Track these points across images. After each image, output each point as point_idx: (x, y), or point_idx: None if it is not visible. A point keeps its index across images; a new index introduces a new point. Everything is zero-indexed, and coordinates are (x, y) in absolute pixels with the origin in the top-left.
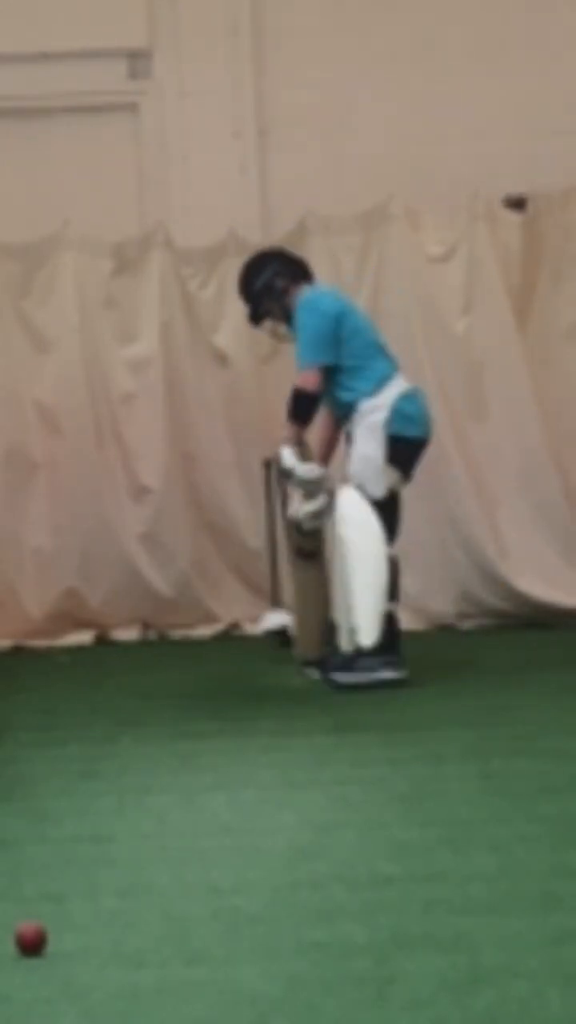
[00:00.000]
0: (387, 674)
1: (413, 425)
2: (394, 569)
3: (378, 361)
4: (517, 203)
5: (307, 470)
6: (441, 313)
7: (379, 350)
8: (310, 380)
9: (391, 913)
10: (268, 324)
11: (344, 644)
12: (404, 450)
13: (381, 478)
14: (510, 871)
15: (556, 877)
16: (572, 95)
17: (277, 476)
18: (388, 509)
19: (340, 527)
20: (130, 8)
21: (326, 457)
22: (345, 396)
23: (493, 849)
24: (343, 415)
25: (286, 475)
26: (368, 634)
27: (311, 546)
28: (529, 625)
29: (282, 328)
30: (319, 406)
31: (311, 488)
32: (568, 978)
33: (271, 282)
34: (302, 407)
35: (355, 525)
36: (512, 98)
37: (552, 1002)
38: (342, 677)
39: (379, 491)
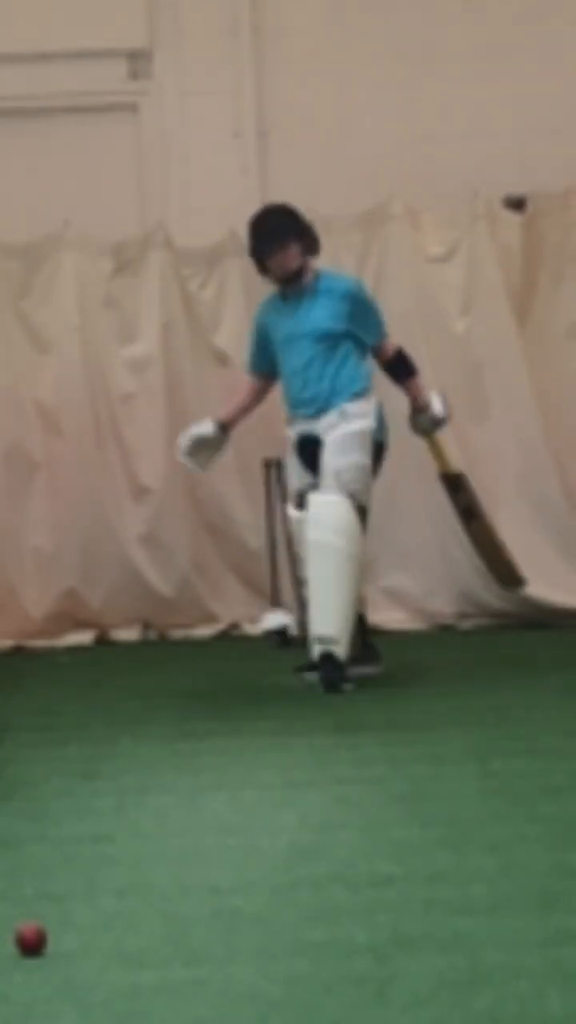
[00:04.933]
0: (368, 670)
1: (384, 431)
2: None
3: (368, 363)
4: (517, 203)
5: (442, 407)
6: (441, 313)
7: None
8: (392, 345)
9: (391, 913)
10: (280, 257)
11: (315, 650)
12: (378, 456)
13: (370, 486)
14: (510, 871)
15: (556, 877)
16: (572, 95)
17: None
18: (363, 514)
19: (325, 533)
20: (130, 8)
21: (234, 421)
22: (344, 377)
23: (493, 849)
24: (311, 396)
25: (439, 423)
26: (344, 647)
27: (469, 502)
28: (529, 625)
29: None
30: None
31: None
32: (568, 978)
33: (313, 230)
34: (403, 364)
35: (339, 531)
36: (512, 98)
37: (552, 1002)
38: (358, 670)
39: (368, 499)
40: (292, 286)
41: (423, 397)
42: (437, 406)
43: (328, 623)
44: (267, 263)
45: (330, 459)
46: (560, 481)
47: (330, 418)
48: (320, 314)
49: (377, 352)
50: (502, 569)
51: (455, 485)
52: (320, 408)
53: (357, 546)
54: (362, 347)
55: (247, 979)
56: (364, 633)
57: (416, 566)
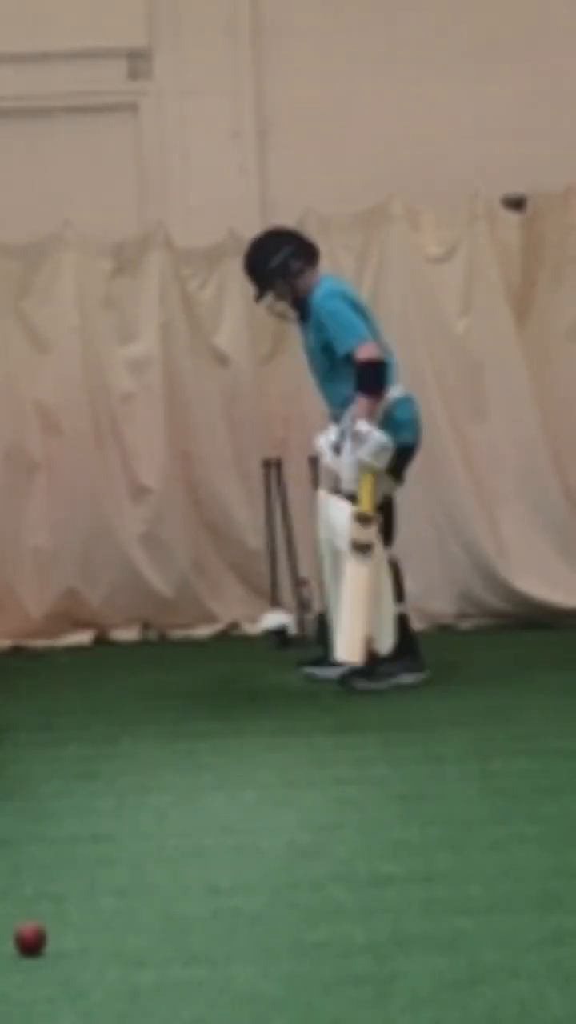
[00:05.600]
0: (408, 679)
1: (406, 432)
2: (396, 571)
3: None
4: (516, 203)
5: (383, 436)
6: (441, 313)
7: (387, 354)
8: (369, 350)
9: (390, 913)
10: (268, 299)
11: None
12: (397, 457)
13: (379, 486)
14: (510, 871)
15: (555, 877)
16: (571, 95)
17: (311, 466)
18: (385, 514)
19: (336, 539)
20: (130, 8)
21: None
22: (347, 387)
23: (492, 849)
24: (340, 407)
25: (361, 439)
26: (384, 642)
27: (366, 538)
28: (528, 625)
29: (281, 305)
30: (386, 375)
31: (381, 455)
32: (567, 978)
33: (288, 262)
34: (372, 376)
35: (341, 535)
36: (511, 98)
37: (551, 1002)
38: (362, 684)
39: (376, 499)
40: (298, 313)
41: (357, 418)
42: (363, 433)
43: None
44: (260, 302)
45: (342, 460)
46: (560, 481)
47: (345, 421)
48: (310, 331)
49: (352, 360)
50: (355, 635)
51: (365, 521)
52: (337, 401)
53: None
54: None
55: (246, 979)
56: (408, 639)
57: (416, 566)
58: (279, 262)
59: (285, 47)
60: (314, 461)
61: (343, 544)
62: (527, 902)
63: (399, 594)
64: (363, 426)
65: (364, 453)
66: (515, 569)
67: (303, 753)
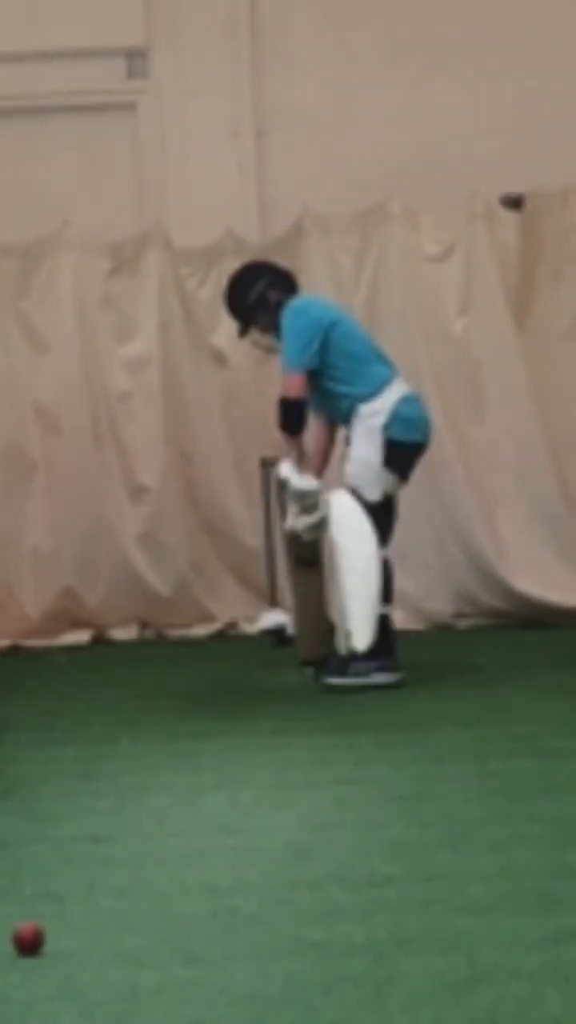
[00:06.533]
0: (380, 678)
1: (412, 429)
2: (387, 572)
3: (376, 365)
4: (515, 202)
5: (303, 482)
6: (439, 313)
7: (376, 354)
8: (293, 386)
9: (389, 913)
10: (253, 334)
11: (340, 646)
12: (402, 454)
13: (378, 482)
14: (509, 871)
15: (555, 877)
16: (570, 95)
17: (276, 488)
18: (383, 512)
19: (333, 531)
20: (128, 7)
21: (321, 469)
22: (344, 400)
23: (492, 849)
24: (342, 419)
25: (282, 486)
26: (361, 638)
27: (310, 555)
28: (527, 625)
29: (267, 339)
30: (307, 412)
31: (307, 501)
32: (567, 978)
33: (265, 295)
34: (290, 415)
35: (348, 530)
36: (510, 98)
37: (551, 1002)
38: (335, 680)
39: (375, 495)
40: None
41: (287, 455)
42: (283, 470)
43: (339, 616)
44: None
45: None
46: (558, 481)
47: (350, 425)
48: None
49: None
50: (309, 638)
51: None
52: (344, 419)
53: (359, 540)
54: (348, 357)
55: (245, 979)
56: (387, 639)
57: (414, 566)
58: (256, 296)
59: (284, 47)
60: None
61: (339, 535)
62: (526, 902)
63: (387, 595)
64: (283, 470)
65: (300, 525)
66: (513, 569)
67: (302, 753)
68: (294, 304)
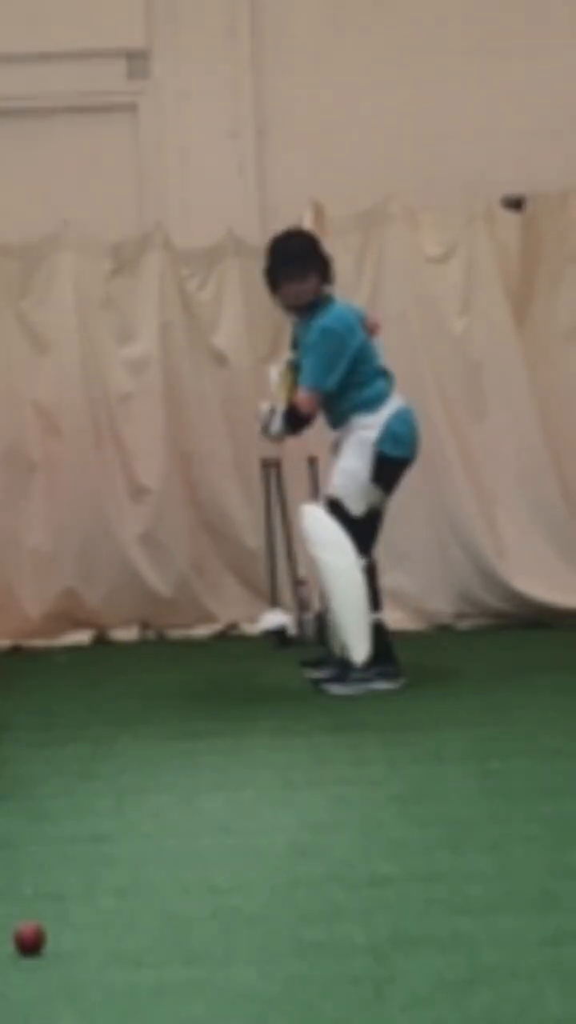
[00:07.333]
0: (382, 685)
1: (400, 445)
2: (372, 577)
3: (379, 380)
4: (515, 203)
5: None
6: (439, 313)
7: (380, 370)
8: (310, 403)
9: (389, 913)
10: (291, 288)
11: (337, 654)
12: (390, 469)
13: (364, 496)
14: (508, 871)
15: (554, 877)
16: (570, 96)
17: (315, 472)
18: (368, 525)
19: (311, 548)
20: (129, 8)
21: None
22: (343, 404)
23: (492, 849)
24: (334, 422)
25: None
26: (358, 651)
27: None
28: (527, 625)
29: (301, 293)
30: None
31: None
32: (566, 978)
33: (328, 262)
34: (296, 427)
35: (326, 544)
36: (510, 99)
37: (550, 1002)
38: (336, 689)
39: (359, 508)
40: (302, 314)
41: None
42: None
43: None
44: (281, 288)
45: (335, 465)
46: (559, 481)
47: (340, 431)
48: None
49: (297, 398)
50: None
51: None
52: (335, 423)
53: (336, 553)
54: (356, 371)
55: (245, 979)
56: (384, 646)
57: (414, 566)
58: (325, 257)
59: (284, 47)
60: (313, 461)
61: (318, 551)
62: (526, 902)
63: (375, 602)
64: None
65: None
66: (514, 569)
67: (302, 753)
68: (333, 326)
